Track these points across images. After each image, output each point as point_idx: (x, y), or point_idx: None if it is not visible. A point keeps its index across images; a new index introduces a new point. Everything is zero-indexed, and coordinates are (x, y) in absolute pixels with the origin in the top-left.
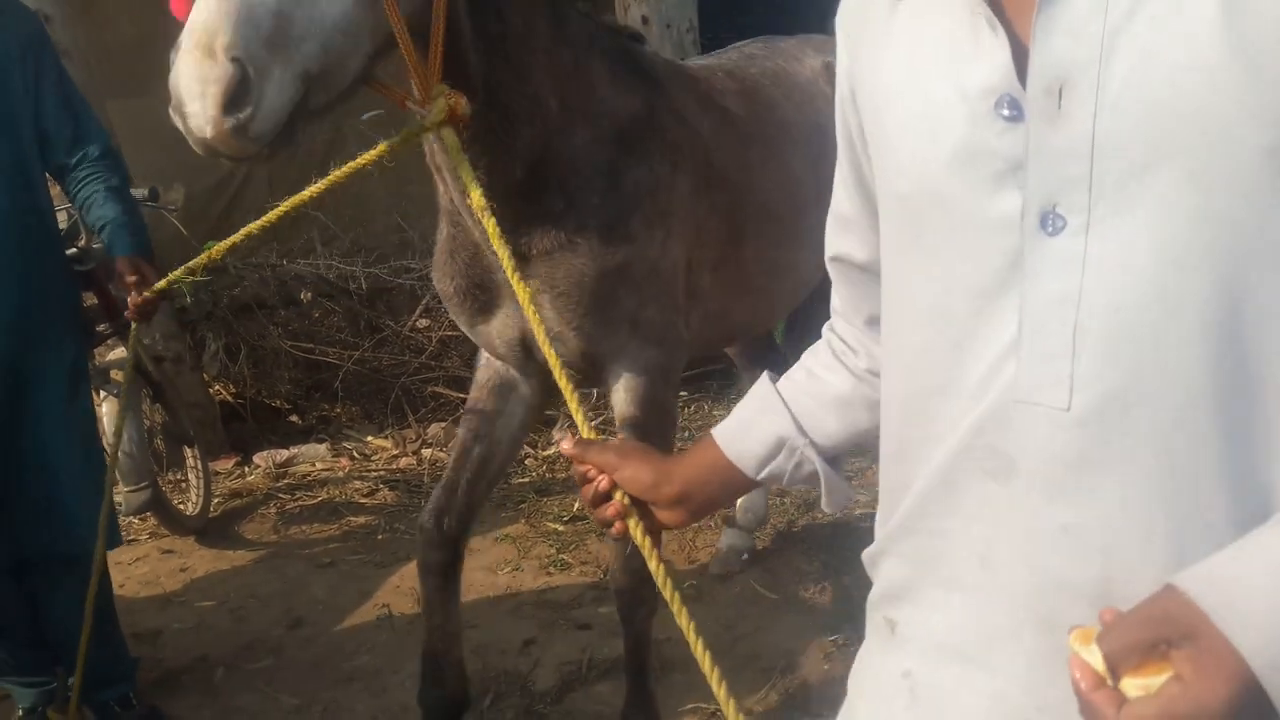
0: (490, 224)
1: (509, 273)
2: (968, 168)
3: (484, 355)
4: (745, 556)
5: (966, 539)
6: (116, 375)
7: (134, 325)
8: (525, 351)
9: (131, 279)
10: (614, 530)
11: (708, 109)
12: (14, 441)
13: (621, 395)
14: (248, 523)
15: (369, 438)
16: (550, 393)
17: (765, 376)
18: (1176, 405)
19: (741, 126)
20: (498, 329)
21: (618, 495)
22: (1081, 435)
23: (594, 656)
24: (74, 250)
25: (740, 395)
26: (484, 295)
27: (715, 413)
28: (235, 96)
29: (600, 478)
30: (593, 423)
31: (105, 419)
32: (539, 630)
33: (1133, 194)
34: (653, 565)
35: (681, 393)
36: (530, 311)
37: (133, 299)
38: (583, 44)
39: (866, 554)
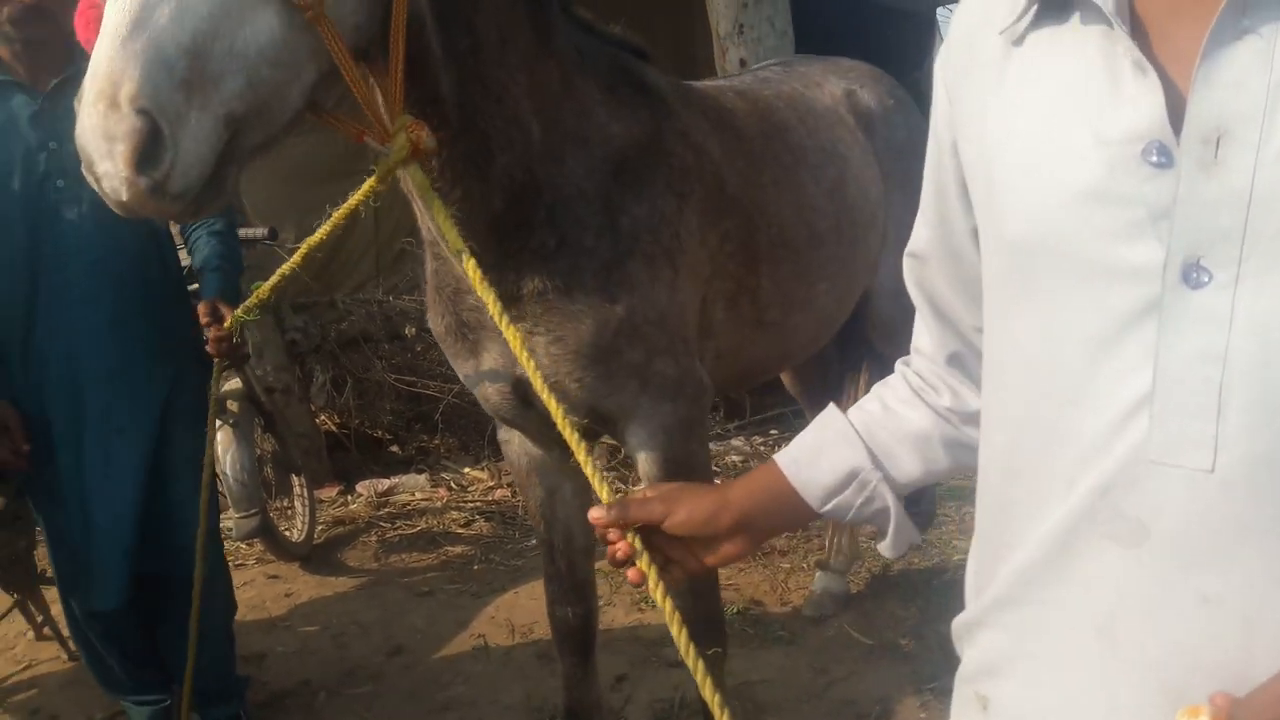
0: (470, 266)
1: (495, 316)
2: (1100, 214)
3: (501, 425)
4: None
5: (1084, 609)
6: (232, 405)
7: (216, 362)
8: (522, 401)
9: (205, 321)
10: (630, 577)
11: (718, 128)
12: (138, 466)
13: (643, 458)
14: (350, 550)
15: (466, 469)
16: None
17: (832, 407)
18: None
19: (753, 147)
20: (489, 375)
21: (629, 537)
22: (1226, 499)
23: (686, 695)
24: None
25: None
26: (473, 335)
27: None
28: (147, 153)
29: (619, 545)
30: (608, 471)
31: (219, 446)
32: (630, 667)
33: None
34: (667, 610)
35: (771, 431)
36: (524, 358)
37: (211, 337)
38: (573, 59)
39: (957, 623)
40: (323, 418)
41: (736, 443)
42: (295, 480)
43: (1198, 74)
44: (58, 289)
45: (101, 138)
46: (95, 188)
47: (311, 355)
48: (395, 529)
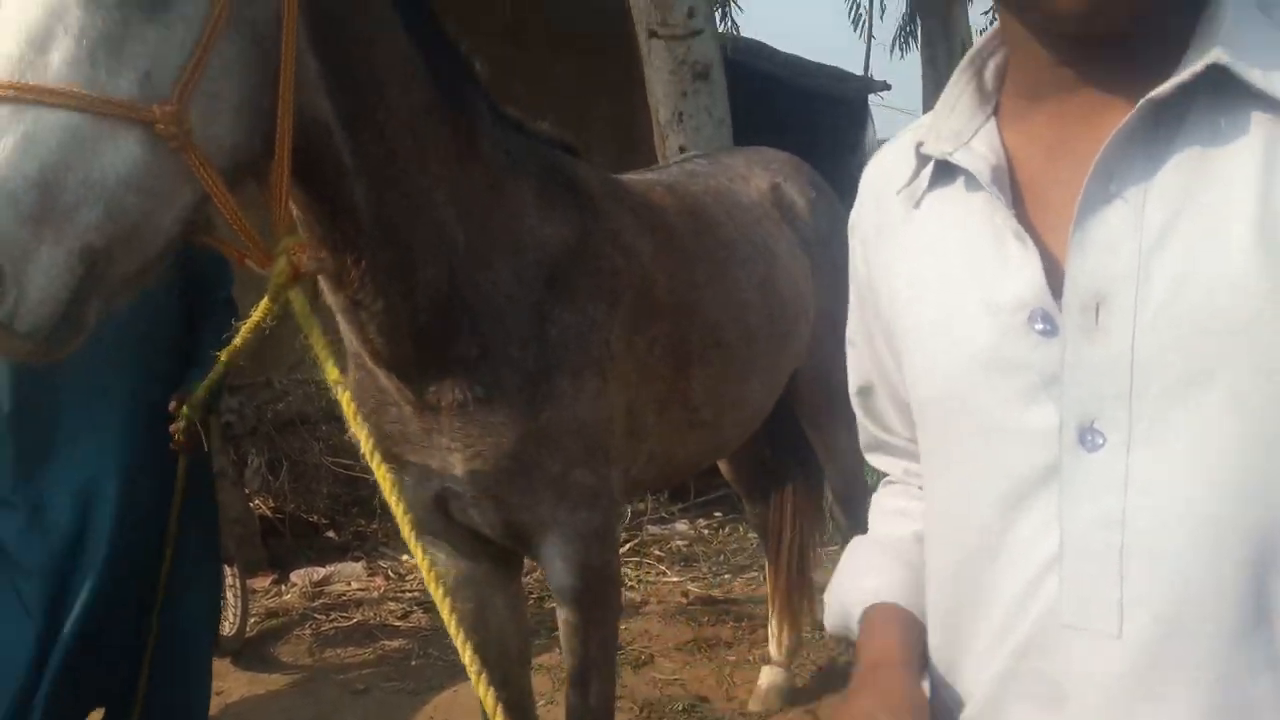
0: (345, 399)
1: (366, 454)
2: (997, 379)
3: (429, 540)
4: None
5: None
6: None
7: (180, 457)
8: (444, 514)
9: (172, 407)
10: None
11: (648, 227)
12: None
13: (557, 566)
14: (283, 644)
15: (404, 556)
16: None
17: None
18: (1231, 629)
19: (685, 244)
20: (412, 487)
21: None
22: (1135, 663)
23: None
24: None
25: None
26: (396, 449)
27: (750, 535)
28: None
29: None
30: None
31: None
32: None
33: (1175, 413)
34: None
35: (715, 514)
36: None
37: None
38: (501, 161)
39: None
40: (257, 502)
41: (681, 526)
42: (228, 571)
43: (1072, 241)
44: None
45: None
46: None
47: (247, 437)
48: (331, 621)
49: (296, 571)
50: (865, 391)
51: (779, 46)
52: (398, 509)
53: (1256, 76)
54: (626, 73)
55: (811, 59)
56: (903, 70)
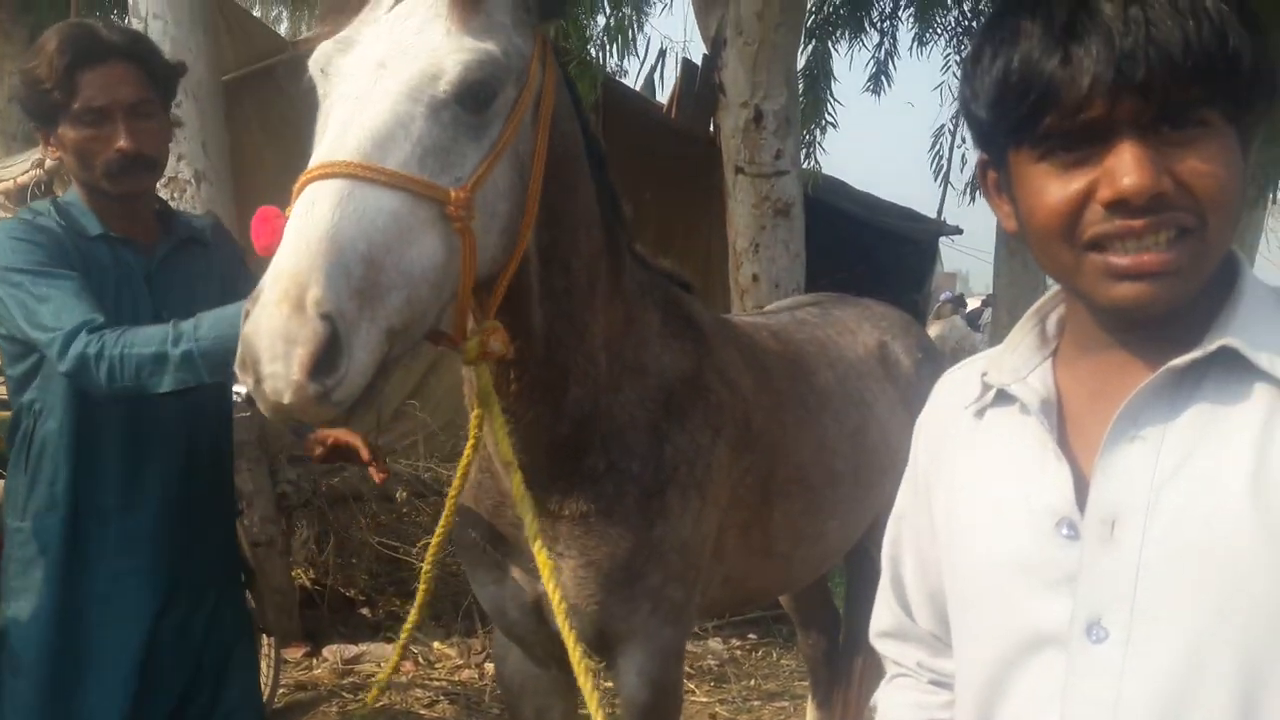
0: (516, 480)
1: (531, 537)
2: (1027, 572)
3: (499, 638)
4: None
5: None
6: None
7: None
8: (538, 618)
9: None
10: None
11: (750, 367)
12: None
13: (633, 679)
14: (309, 719)
15: (435, 642)
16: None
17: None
18: None
19: (780, 388)
20: (512, 590)
21: None
22: None
23: None
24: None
25: (801, 649)
26: (502, 549)
27: (783, 661)
28: (325, 360)
29: None
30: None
31: None
32: None
33: (1167, 618)
34: None
35: (749, 636)
36: (551, 586)
37: None
38: (636, 296)
39: None
40: (298, 572)
41: (714, 644)
42: (264, 640)
43: (1097, 466)
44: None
45: (281, 340)
46: (247, 386)
47: (300, 509)
48: (357, 700)
49: (329, 646)
50: (898, 566)
51: (865, 185)
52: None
53: (1263, 360)
54: (707, 204)
55: (887, 199)
56: (972, 215)
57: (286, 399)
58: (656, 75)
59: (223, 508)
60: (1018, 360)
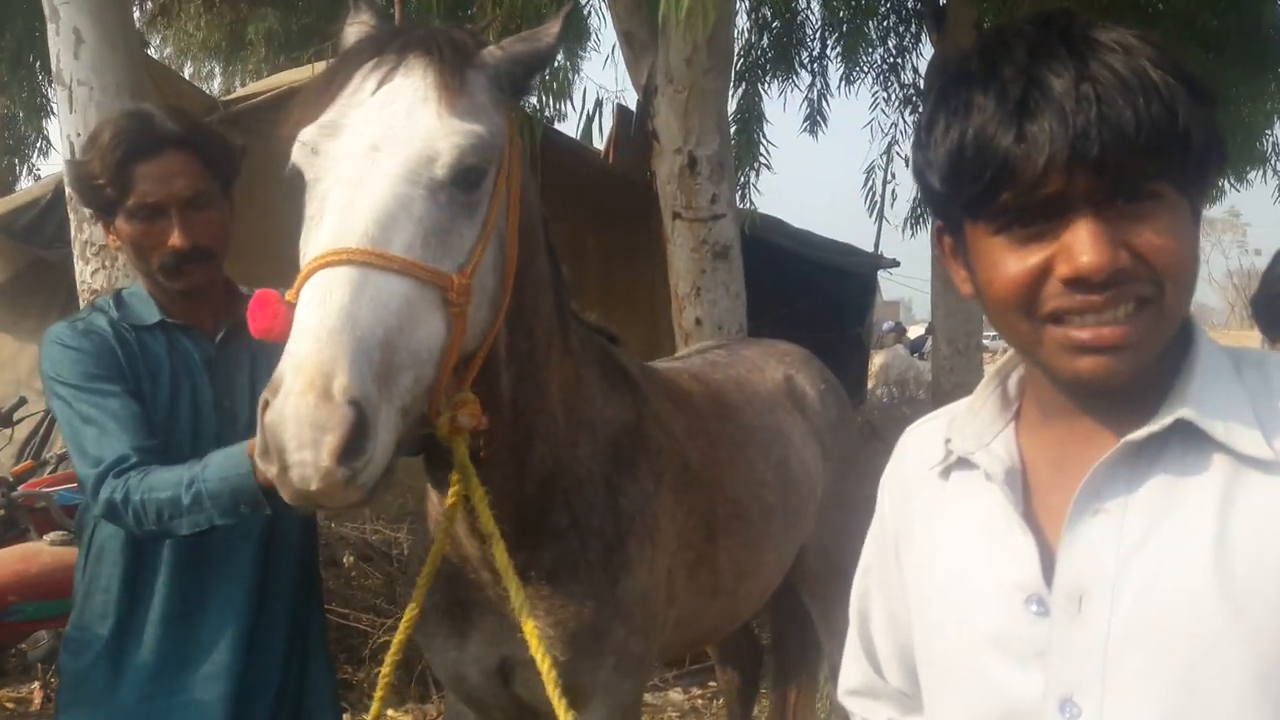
0: (500, 551)
1: (518, 608)
2: (1000, 646)
3: (452, 707)
4: None
5: None
6: None
7: None
8: (501, 682)
9: None
10: None
11: (681, 410)
12: None
13: None
14: None
15: (390, 711)
16: None
17: None
18: None
19: (710, 427)
20: (474, 655)
21: None
22: None
23: None
24: None
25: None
26: (460, 613)
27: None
28: (353, 445)
29: None
30: None
31: None
32: None
33: (1138, 694)
34: None
35: (709, 684)
36: (540, 654)
37: None
38: (579, 352)
39: None
40: None
41: (674, 695)
42: None
43: (1063, 540)
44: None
45: (309, 428)
46: (271, 474)
47: None
48: None
49: None
50: (866, 622)
51: (804, 222)
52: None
53: (1218, 430)
54: (648, 247)
55: (826, 235)
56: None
57: (314, 485)
58: (595, 126)
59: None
60: (980, 426)
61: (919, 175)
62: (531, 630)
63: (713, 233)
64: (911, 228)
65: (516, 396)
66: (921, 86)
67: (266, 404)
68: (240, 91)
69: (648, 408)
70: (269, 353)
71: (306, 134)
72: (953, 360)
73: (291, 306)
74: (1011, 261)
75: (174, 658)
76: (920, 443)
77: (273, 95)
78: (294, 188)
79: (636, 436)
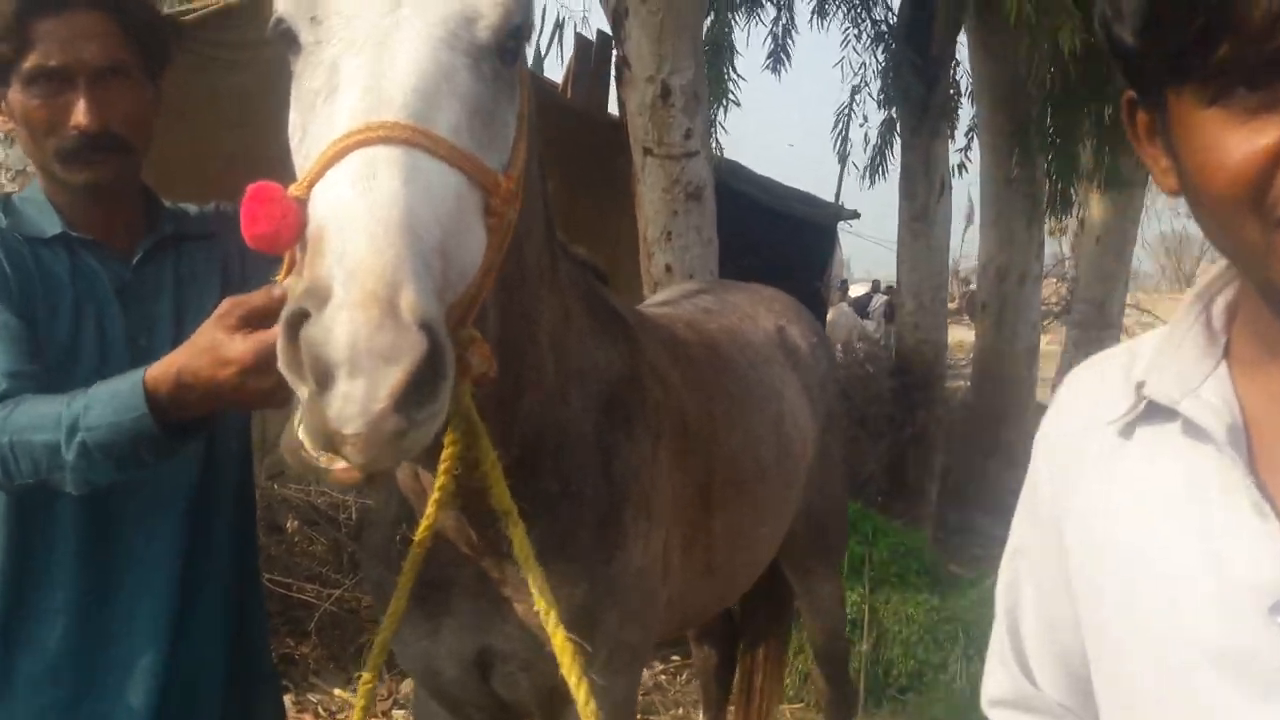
0: (519, 535)
1: (546, 610)
2: (1226, 669)
3: (421, 704)
4: None
5: None
6: None
7: None
8: (479, 676)
9: None
10: None
11: (677, 360)
12: None
13: None
14: None
15: (336, 690)
16: None
17: None
18: None
19: (706, 379)
20: (449, 645)
21: None
22: None
23: None
24: None
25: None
26: (434, 598)
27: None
28: (420, 385)
29: None
30: None
31: None
32: None
33: None
34: None
35: (672, 658)
36: (568, 662)
37: None
38: (568, 288)
39: None
40: None
41: None
42: None
43: None
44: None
45: (369, 353)
46: (304, 410)
47: None
48: None
49: None
50: (1016, 618)
51: (759, 166)
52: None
53: None
54: (610, 188)
55: (790, 184)
56: (865, 198)
57: (351, 428)
58: (555, 50)
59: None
60: (1183, 364)
61: (1104, 28)
62: (562, 644)
63: (686, 171)
64: (870, 177)
65: (504, 335)
66: (894, 23)
67: (301, 317)
68: (184, 7)
69: (643, 356)
70: (197, 278)
71: None
72: (917, 315)
73: (303, 204)
74: (1235, 140)
75: (80, 656)
76: (1091, 390)
77: (208, 12)
78: (275, 63)
79: (632, 389)
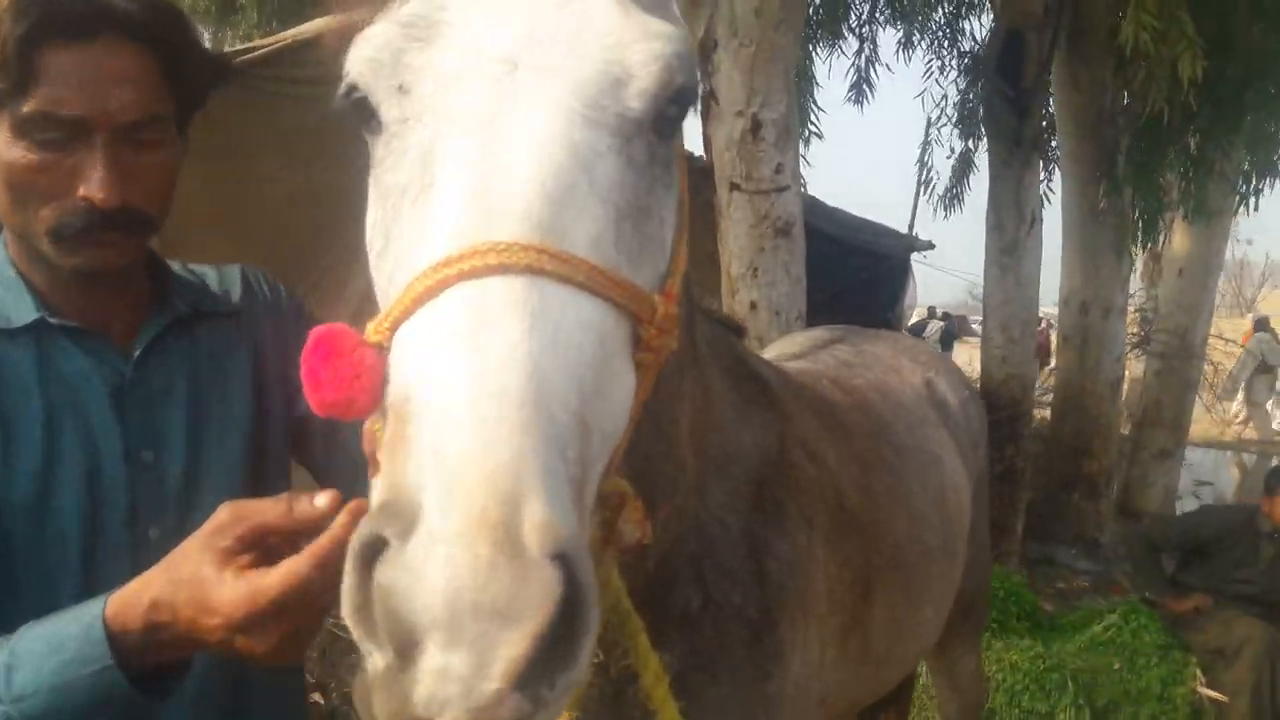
0: (663, 695)
1: None
2: None
3: None
4: None
5: None
6: None
7: None
8: None
9: None
10: None
11: (830, 431)
12: None
13: None
14: None
15: None
16: None
17: None
18: None
19: (861, 450)
20: None
21: None
22: None
23: None
24: None
25: None
26: None
27: None
28: (554, 647)
29: None
30: None
31: None
32: None
33: None
34: None
35: None
36: None
37: None
38: (707, 360)
39: None
40: None
41: None
42: None
43: None
44: None
45: (477, 613)
46: (371, 671)
47: None
48: None
49: None
50: None
51: (830, 198)
52: None
53: None
54: (692, 223)
55: (859, 214)
56: (945, 230)
57: (450, 717)
58: None
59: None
60: None
61: None
62: None
63: (775, 207)
64: (945, 209)
65: (637, 445)
66: (982, 54)
67: (377, 544)
68: (234, 48)
69: (791, 428)
70: (221, 372)
71: (377, 42)
72: (1005, 349)
73: (383, 354)
74: None
75: None
76: None
77: (274, 50)
78: (340, 139)
79: (781, 469)
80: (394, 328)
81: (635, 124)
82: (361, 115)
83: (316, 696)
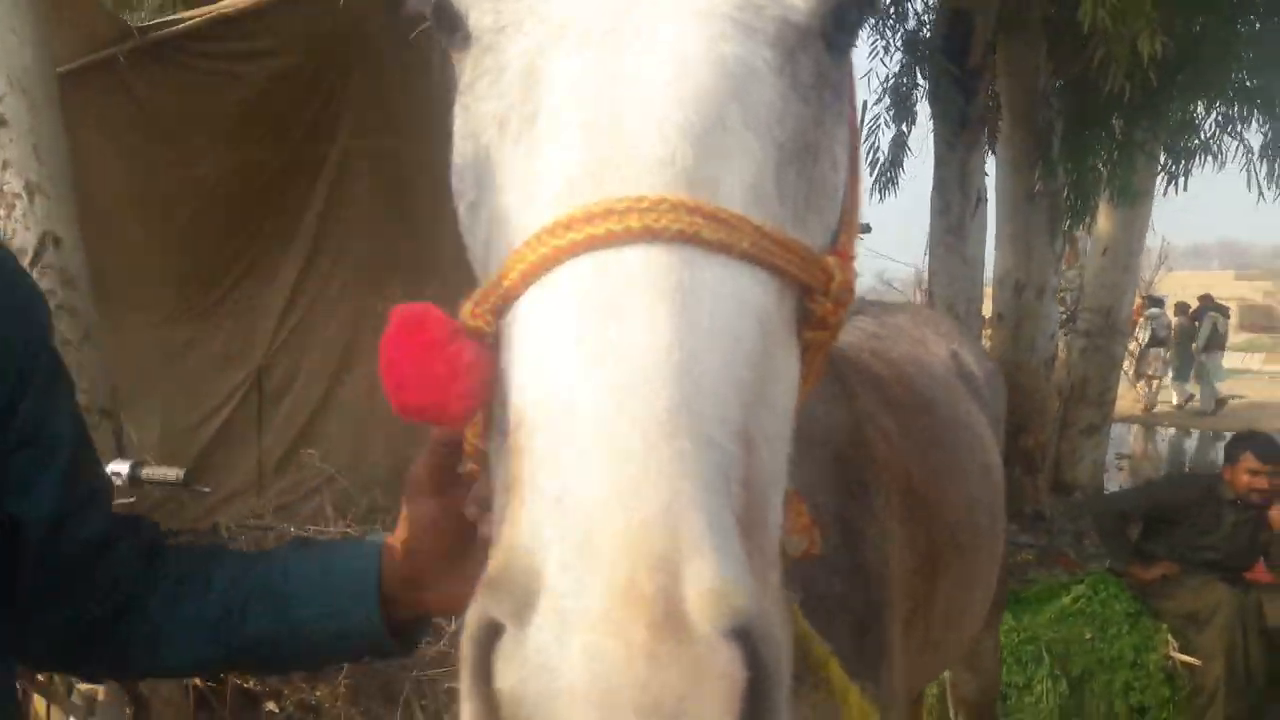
0: (855, 698)
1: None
2: None
3: None
4: None
5: None
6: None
7: None
8: None
9: None
10: None
11: (886, 405)
12: None
13: None
14: None
15: None
16: None
17: None
18: None
19: (914, 426)
20: None
21: None
22: None
23: None
24: None
25: None
26: None
27: None
28: None
29: None
30: None
31: None
32: None
33: None
34: None
35: None
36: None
37: None
38: None
39: None
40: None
41: None
42: None
43: None
44: None
45: (640, 708)
46: None
47: None
48: None
49: None
50: None
51: None
52: None
53: None
54: None
55: None
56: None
57: None
58: None
59: None
60: None
61: None
62: None
63: None
64: (881, 192)
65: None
66: (924, 35)
67: (491, 634)
68: (172, 16)
69: (860, 404)
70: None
71: None
72: None
73: (489, 345)
74: None
75: None
76: None
77: (209, 19)
78: (282, 71)
79: (859, 447)
80: (497, 311)
81: (801, 32)
82: (445, 24)
83: (271, 705)
